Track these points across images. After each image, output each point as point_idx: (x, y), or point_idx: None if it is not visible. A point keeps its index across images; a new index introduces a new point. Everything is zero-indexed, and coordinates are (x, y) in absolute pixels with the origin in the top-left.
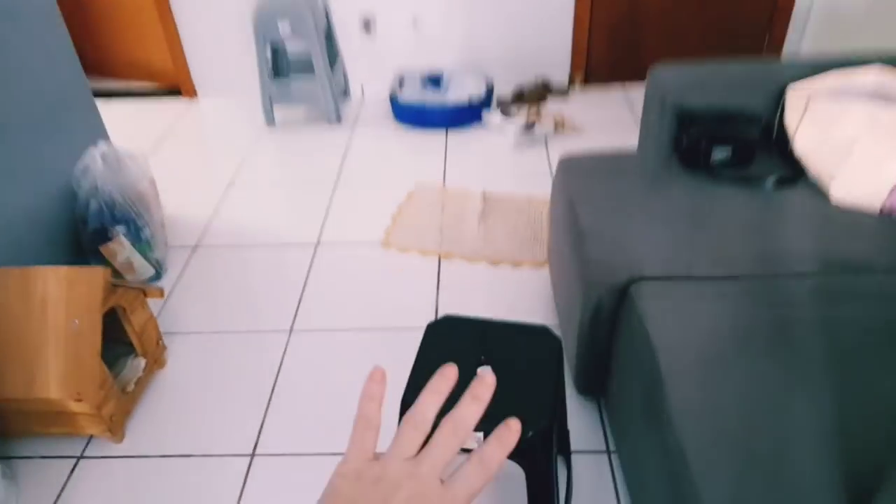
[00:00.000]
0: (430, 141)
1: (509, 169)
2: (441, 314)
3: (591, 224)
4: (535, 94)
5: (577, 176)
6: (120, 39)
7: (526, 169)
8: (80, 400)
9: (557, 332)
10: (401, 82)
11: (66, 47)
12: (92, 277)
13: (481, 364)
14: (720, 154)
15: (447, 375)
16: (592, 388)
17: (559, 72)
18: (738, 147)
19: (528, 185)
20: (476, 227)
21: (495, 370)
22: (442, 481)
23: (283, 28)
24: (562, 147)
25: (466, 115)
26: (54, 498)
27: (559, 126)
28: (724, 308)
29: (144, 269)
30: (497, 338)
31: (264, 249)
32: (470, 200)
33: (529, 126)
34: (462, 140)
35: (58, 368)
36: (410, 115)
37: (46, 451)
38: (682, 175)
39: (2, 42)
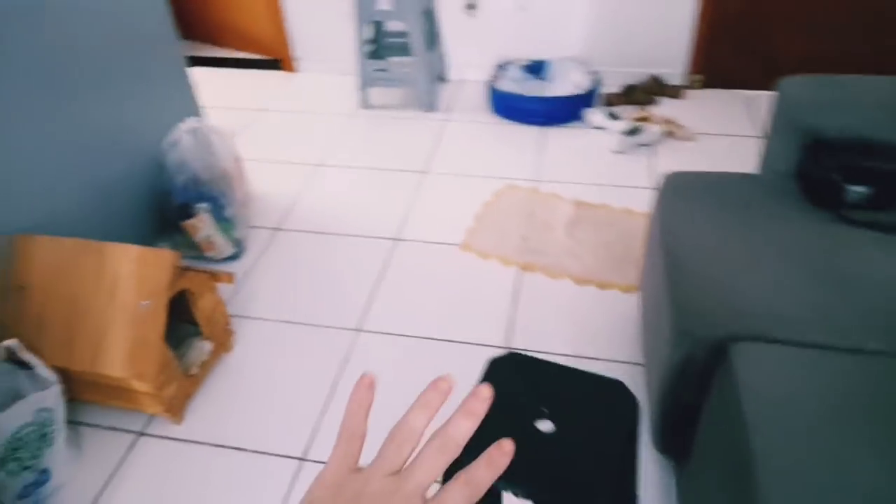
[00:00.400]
0: (526, 135)
1: (607, 175)
2: (514, 333)
3: (691, 259)
4: (645, 94)
5: (683, 198)
6: (228, 8)
7: (626, 177)
8: (141, 380)
9: (641, 373)
10: (501, 69)
11: (162, 17)
12: (162, 260)
13: (543, 415)
14: (856, 192)
15: (441, 388)
16: (671, 448)
17: (675, 70)
18: (879, 186)
19: (626, 195)
20: (563, 237)
21: (558, 426)
22: (426, 500)
23: (384, 6)
24: (670, 156)
25: (567, 111)
26: (111, 471)
27: (669, 131)
28: (842, 387)
29: (224, 247)
30: (565, 387)
31: (344, 239)
32: (560, 206)
33: (635, 129)
34: (560, 137)
35: (123, 347)
36: (507, 106)
37: (111, 422)
38: (807, 212)
39: (97, 5)
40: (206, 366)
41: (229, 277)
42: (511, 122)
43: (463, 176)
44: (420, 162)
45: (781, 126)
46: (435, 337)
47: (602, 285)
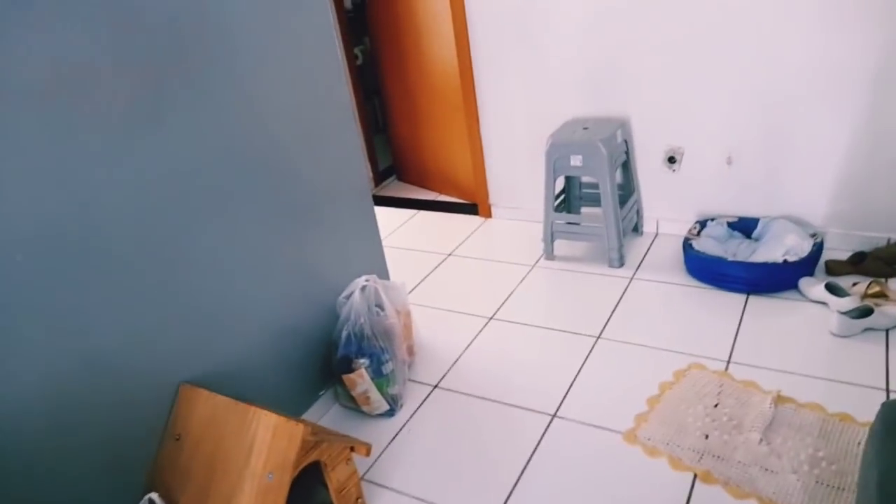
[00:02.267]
0: (724, 304)
1: (824, 366)
2: None
3: None
4: (882, 263)
5: None
6: (437, 154)
7: (849, 370)
8: None
9: None
10: (701, 226)
11: (359, 174)
12: (293, 432)
13: None
14: None
15: None
16: None
17: None
18: None
19: (847, 394)
20: (756, 442)
21: None
22: None
23: (576, 161)
24: None
25: (778, 279)
26: None
27: None
28: None
29: (379, 404)
30: None
31: (500, 408)
32: (756, 400)
33: (866, 309)
34: (766, 311)
35: None
36: (704, 269)
37: None
38: None
39: (301, 160)
40: None
41: (366, 448)
42: (708, 286)
43: (642, 347)
44: (596, 325)
45: None
46: None
47: None
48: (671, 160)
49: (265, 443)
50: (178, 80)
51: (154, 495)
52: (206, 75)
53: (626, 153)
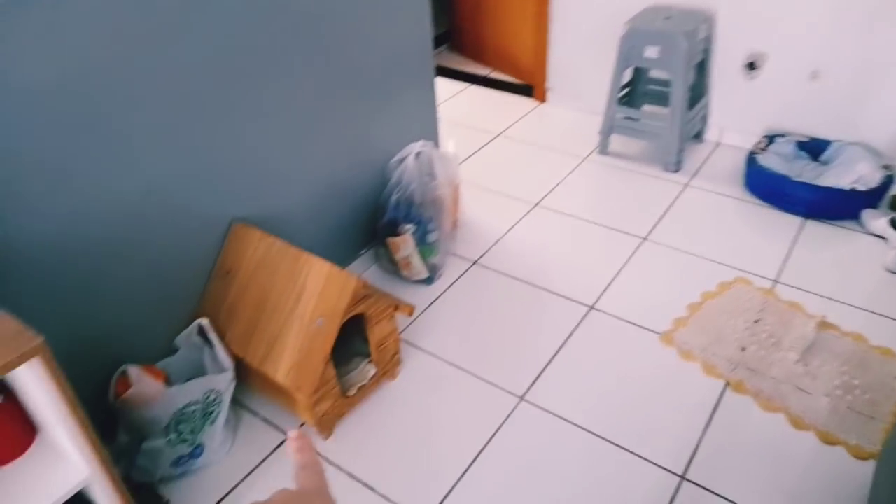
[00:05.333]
0: (780, 224)
1: (873, 298)
2: (695, 462)
3: None
4: None
5: None
6: (497, 30)
7: None
8: (298, 392)
9: None
10: (769, 141)
11: (425, 44)
12: (345, 283)
13: None
14: None
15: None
16: None
17: None
18: None
19: (891, 331)
20: (793, 363)
21: None
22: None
23: (651, 53)
24: None
25: (841, 206)
26: (256, 463)
27: None
28: None
29: (420, 270)
30: None
31: (537, 292)
32: (798, 322)
33: None
34: (822, 236)
35: (290, 356)
36: (765, 186)
37: (269, 415)
38: None
39: (367, 16)
40: (365, 390)
41: (409, 309)
42: (766, 204)
43: (688, 254)
44: (644, 227)
45: None
46: (600, 435)
47: (826, 438)
48: (751, 66)
49: (316, 289)
50: None
51: (204, 321)
52: None
53: (705, 51)
